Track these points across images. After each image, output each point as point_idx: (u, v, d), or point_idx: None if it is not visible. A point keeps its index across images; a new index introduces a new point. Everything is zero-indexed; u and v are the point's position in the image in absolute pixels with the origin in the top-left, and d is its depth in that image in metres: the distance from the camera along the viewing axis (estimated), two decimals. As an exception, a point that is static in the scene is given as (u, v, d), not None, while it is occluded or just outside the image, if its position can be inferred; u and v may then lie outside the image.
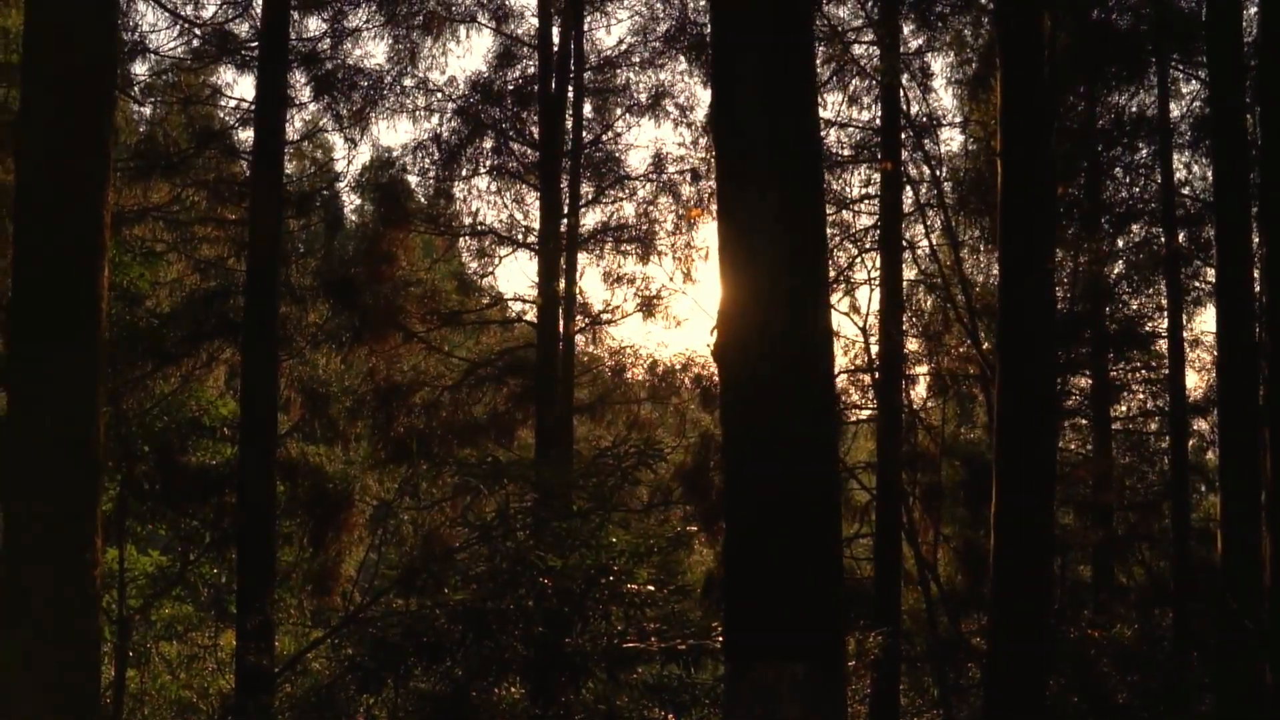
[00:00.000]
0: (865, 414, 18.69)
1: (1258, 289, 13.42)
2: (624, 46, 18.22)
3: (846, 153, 18.18)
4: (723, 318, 5.03)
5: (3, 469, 6.20)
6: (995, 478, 9.51)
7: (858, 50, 17.81)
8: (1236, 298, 12.59)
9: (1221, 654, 12.51)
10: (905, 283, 17.65)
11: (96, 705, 6.05)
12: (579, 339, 18.15)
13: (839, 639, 4.64)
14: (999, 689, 9.26)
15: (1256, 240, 14.05)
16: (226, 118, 16.63)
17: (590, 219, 18.26)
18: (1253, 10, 15.53)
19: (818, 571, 4.58)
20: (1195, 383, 20.05)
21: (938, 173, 17.60)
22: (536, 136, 17.30)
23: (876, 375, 17.19)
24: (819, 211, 5.15)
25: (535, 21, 17.29)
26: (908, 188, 17.19)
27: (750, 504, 4.79)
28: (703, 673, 11.53)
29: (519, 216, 17.88)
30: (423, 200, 18.55)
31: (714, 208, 18.27)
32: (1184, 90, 19.03)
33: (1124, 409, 20.82)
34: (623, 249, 18.08)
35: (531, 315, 17.56)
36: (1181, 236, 18.83)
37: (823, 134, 15.16)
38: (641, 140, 25.12)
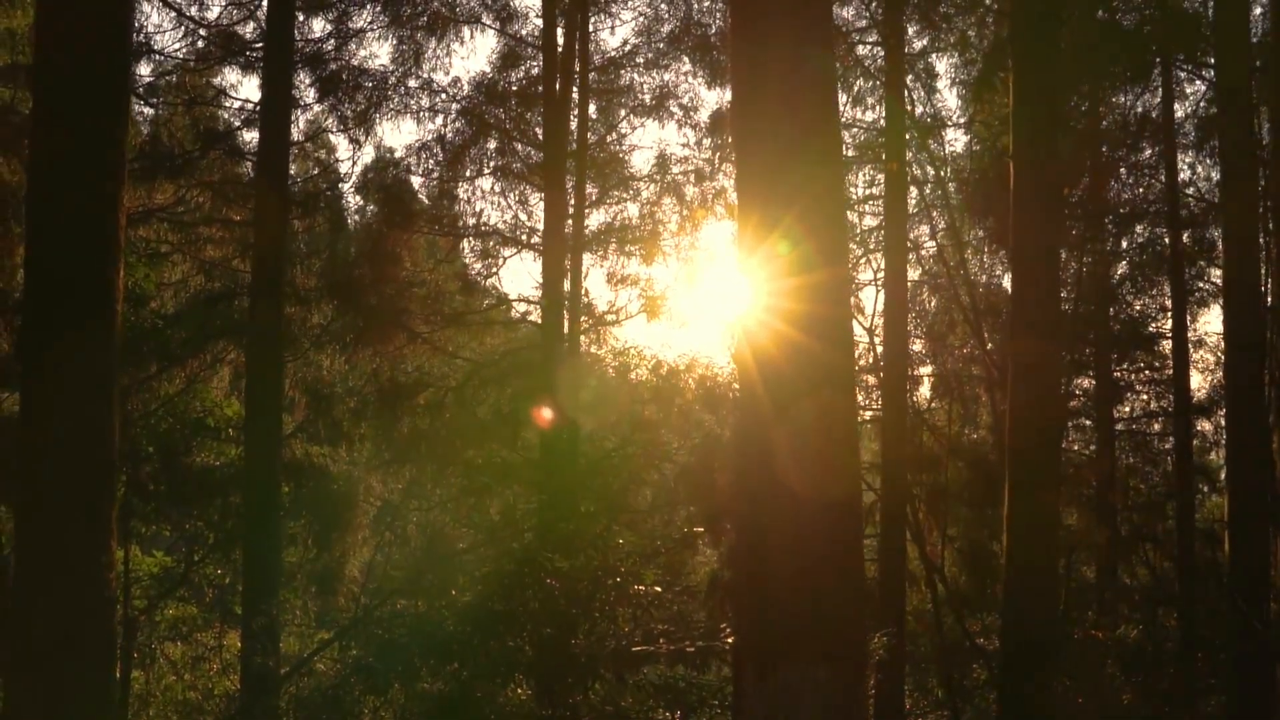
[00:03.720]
0: (869, 414, 18.68)
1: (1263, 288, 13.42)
2: (628, 47, 18.21)
3: (851, 153, 18.16)
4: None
5: (17, 469, 6.17)
6: (1008, 479, 9.48)
7: (861, 51, 17.81)
8: (1243, 297, 12.59)
9: (1231, 654, 12.50)
10: (909, 283, 17.63)
11: (112, 707, 6.03)
12: (583, 339, 18.12)
13: (862, 643, 4.63)
14: (1011, 688, 9.25)
15: (1262, 239, 14.06)
16: (231, 119, 16.60)
17: (594, 220, 18.25)
18: (1258, 11, 15.55)
19: (840, 574, 4.56)
20: (1198, 383, 20.09)
21: (942, 173, 17.60)
22: (540, 137, 17.27)
23: (881, 376, 17.17)
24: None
25: (539, 22, 17.27)
26: (912, 188, 17.17)
27: (771, 504, 4.77)
28: (706, 673, 11.54)
29: (523, 217, 17.87)
30: (426, 201, 18.53)
31: (718, 209, 18.22)
32: (1188, 91, 19.05)
33: (1128, 409, 20.82)
34: (627, 250, 18.06)
35: (535, 316, 17.53)
36: (1186, 237, 18.84)
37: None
38: (645, 141, 25.05)
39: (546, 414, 15.88)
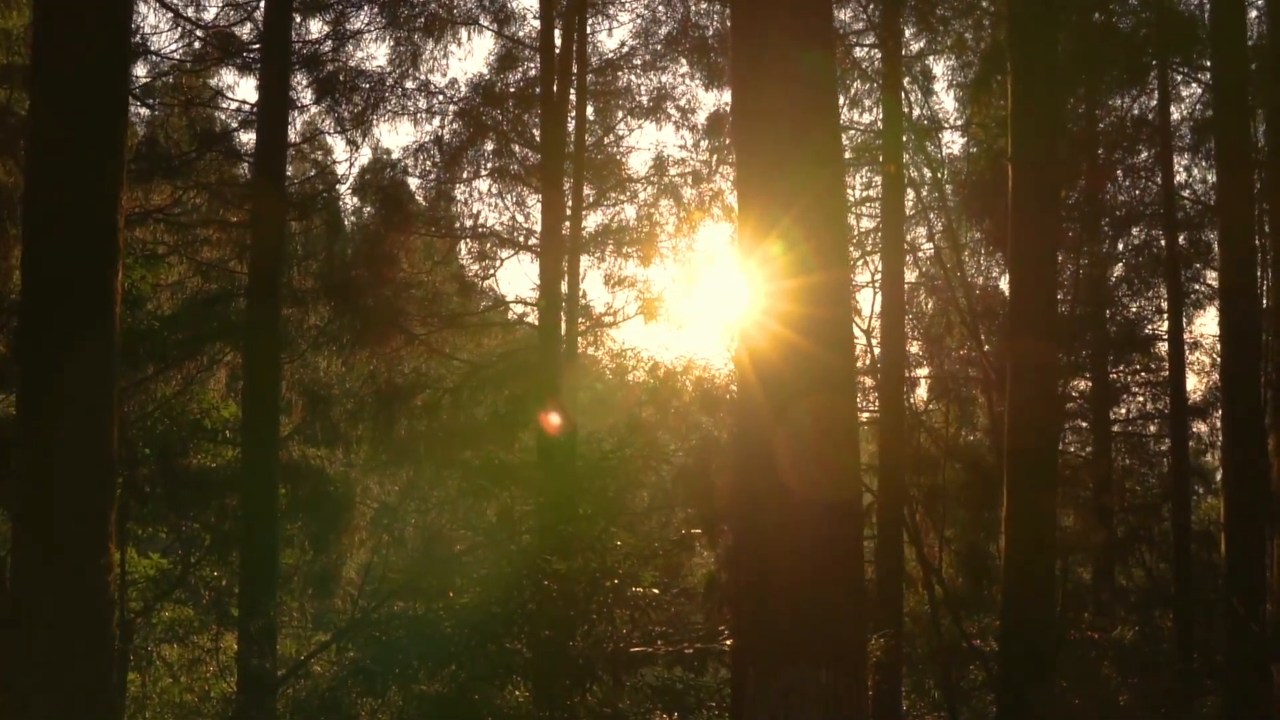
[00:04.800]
0: (866, 416, 18.70)
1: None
2: (626, 49, 18.25)
3: (848, 155, 18.18)
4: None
5: (16, 471, 6.16)
6: (1007, 481, 9.48)
7: (859, 53, 17.83)
8: (1239, 299, 12.62)
9: (1227, 655, 12.53)
10: (907, 285, 17.66)
11: (113, 710, 6.02)
12: (580, 341, 18.13)
13: (862, 645, 4.63)
14: (1010, 692, 9.26)
15: (1258, 241, 14.10)
16: (228, 120, 16.60)
17: (592, 221, 18.28)
18: (1254, 14, 15.59)
19: (841, 577, 4.57)
20: (1194, 385, 20.14)
21: (939, 175, 17.62)
22: (538, 139, 17.27)
23: (878, 378, 17.19)
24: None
25: (537, 24, 17.29)
26: (909, 190, 17.19)
27: (771, 507, 4.77)
28: (703, 674, 11.54)
29: (520, 219, 17.89)
30: (423, 202, 18.53)
31: (715, 210, 18.21)
32: (1184, 94, 19.11)
33: (1124, 411, 20.86)
34: (624, 251, 18.09)
35: (533, 318, 17.55)
36: (1182, 239, 18.87)
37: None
38: (643, 143, 25.10)
39: (544, 416, 15.88)
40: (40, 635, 5.77)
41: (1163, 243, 18.99)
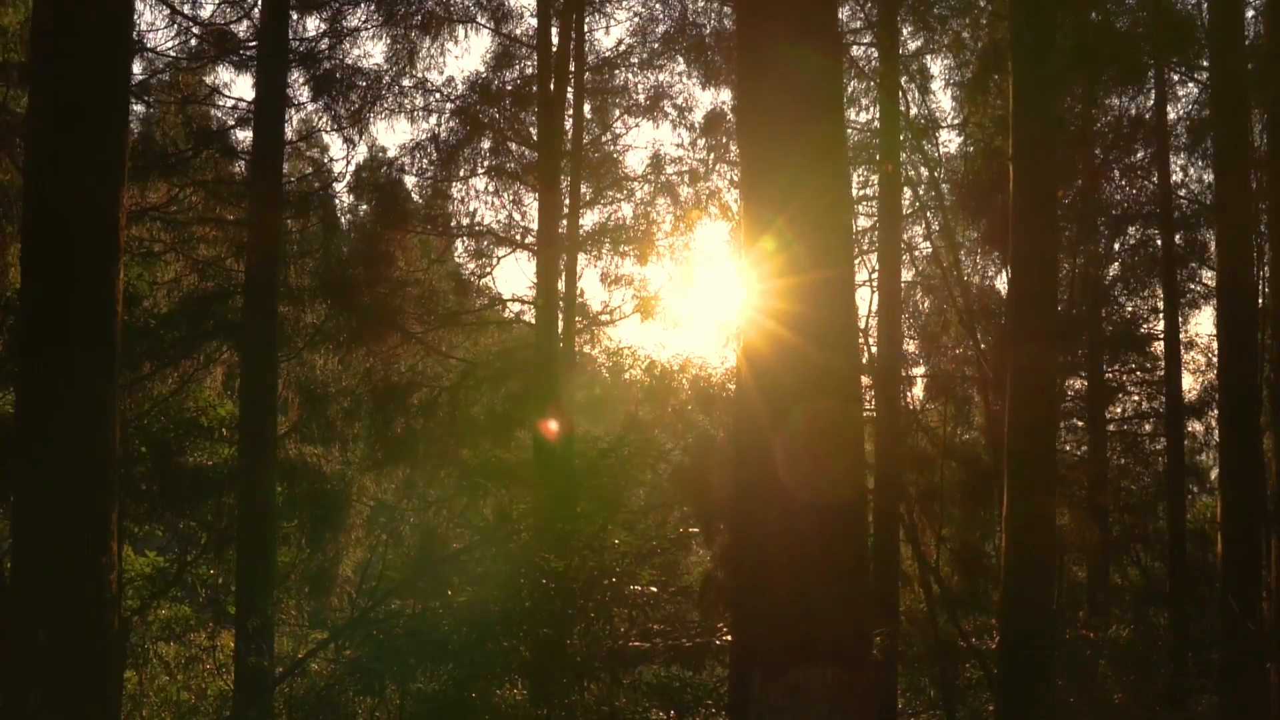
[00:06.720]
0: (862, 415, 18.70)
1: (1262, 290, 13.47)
2: (623, 47, 18.22)
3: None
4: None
5: (15, 470, 6.14)
6: (1006, 484, 9.47)
7: (856, 52, 17.82)
8: (1236, 298, 12.65)
9: (1223, 654, 12.56)
10: (903, 284, 17.66)
11: (116, 709, 6.00)
12: (577, 340, 18.11)
13: (867, 643, 4.64)
14: (1008, 688, 9.27)
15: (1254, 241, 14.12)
16: (225, 118, 16.55)
17: (588, 220, 18.26)
18: (1251, 14, 15.63)
19: (844, 575, 4.57)
20: (1190, 384, 20.20)
21: (936, 174, 17.62)
22: (535, 137, 17.26)
23: (875, 377, 17.19)
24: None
25: (534, 22, 17.28)
26: (906, 189, 17.20)
27: (773, 509, 4.77)
28: (700, 673, 11.56)
29: (517, 217, 17.86)
30: (420, 201, 18.50)
31: (712, 209, 18.18)
32: (1181, 93, 19.16)
33: (1119, 410, 20.91)
34: (621, 250, 18.07)
35: (530, 316, 17.53)
36: (1178, 239, 18.92)
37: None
38: (640, 141, 25.14)
39: (541, 415, 15.88)
40: (40, 634, 5.75)
41: (1159, 242, 19.04)
